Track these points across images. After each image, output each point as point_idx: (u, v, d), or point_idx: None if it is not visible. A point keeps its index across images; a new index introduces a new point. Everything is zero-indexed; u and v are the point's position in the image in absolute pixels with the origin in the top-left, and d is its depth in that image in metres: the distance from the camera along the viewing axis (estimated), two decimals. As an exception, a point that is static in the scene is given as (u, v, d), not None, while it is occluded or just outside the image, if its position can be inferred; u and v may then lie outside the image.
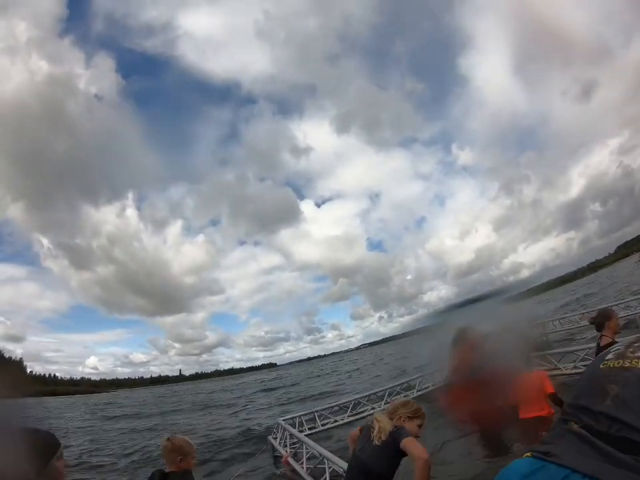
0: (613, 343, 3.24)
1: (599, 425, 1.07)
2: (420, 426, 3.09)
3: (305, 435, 6.40)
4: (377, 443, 2.80)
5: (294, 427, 6.76)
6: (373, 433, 2.88)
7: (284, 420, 6.92)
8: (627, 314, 10.12)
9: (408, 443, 2.68)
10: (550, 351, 7.15)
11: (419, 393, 8.24)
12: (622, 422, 1.03)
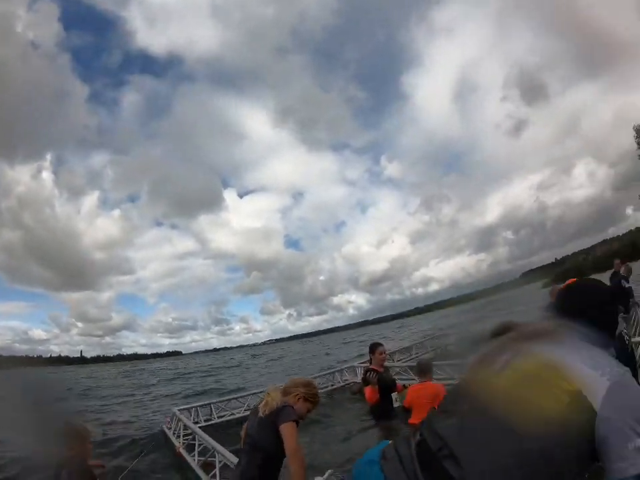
0: None
1: (431, 442, 1.06)
2: (309, 411, 3.05)
3: (200, 427, 6.21)
4: (261, 415, 2.75)
5: (189, 418, 6.53)
6: (260, 406, 2.84)
7: (179, 410, 6.66)
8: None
9: (285, 429, 2.65)
10: (449, 362, 7.40)
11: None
12: (449, 448, 1.00)
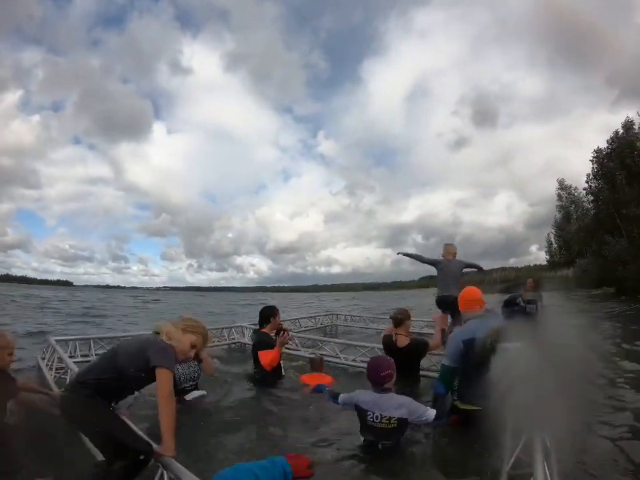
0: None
1: None
2: (194, 347, 3.08)
3: (75, 362, 5.94)
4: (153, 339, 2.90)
5: (66, 351, 6.25)
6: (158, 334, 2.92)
7: (56, 340, 6.35)
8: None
9: (160, 373, 2.71)
10: (336, 340, 7.67)
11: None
12: None
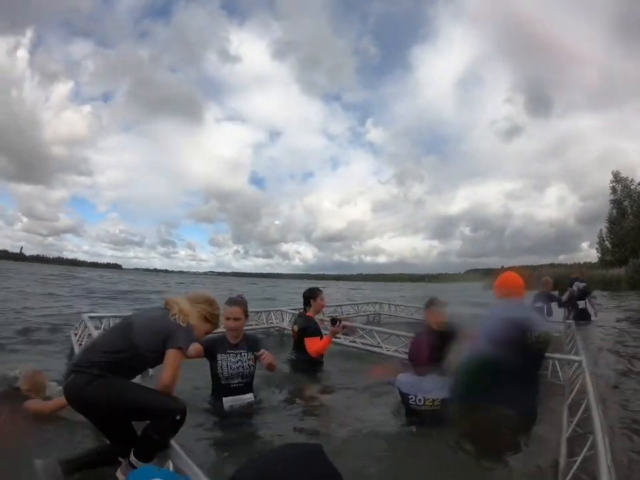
0: None
1: None
2: (207, 333, 2.95)
3: None
4: (172, 319, 2.57)
5: (100, 328, 6.04)
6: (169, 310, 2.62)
7: (89, 317, 6.18)
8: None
9: (171, 355, 2.45)
10: (376, 328, 7.32)
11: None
12: None
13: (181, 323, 2.55)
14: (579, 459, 2.38)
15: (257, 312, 8.43)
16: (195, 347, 3.42)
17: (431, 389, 3.31)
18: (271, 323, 8.42)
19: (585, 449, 2.42)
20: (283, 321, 8.33)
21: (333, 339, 5.26)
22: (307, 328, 5.10)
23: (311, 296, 5.33)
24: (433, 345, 3.42)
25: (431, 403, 3.28)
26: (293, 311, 8.12)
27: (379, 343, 6.44)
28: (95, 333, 5.13)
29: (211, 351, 3.75)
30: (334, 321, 5.11)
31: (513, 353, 2.80)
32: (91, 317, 6.18)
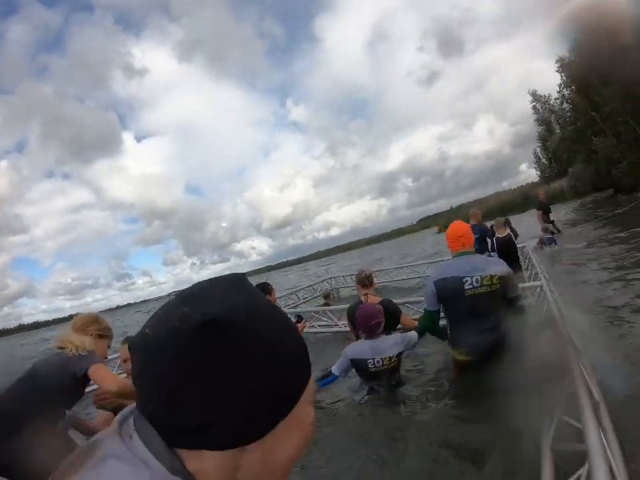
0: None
1: None
2: (108, 347, 2.88)
3: None
4: (67, 354, 2.45)
5: None
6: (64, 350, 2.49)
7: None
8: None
9: (96, 370, 2.41)
10: (329, 308, 7.01)
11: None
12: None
13: (81, 354, 2.49)
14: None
15: None
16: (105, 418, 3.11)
17: (385, 348, 3.44)
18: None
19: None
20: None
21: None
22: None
23: (264, 291, 4.83)
24: (382, 311, 3.57)
25: (388, 362, 3.43)
26: None
27: (335, 322, 6.36)
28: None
29: None
30: (299, 317, 5.17)
31: (452, 304, 3.25)
32: None
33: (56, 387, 2.38)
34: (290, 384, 0.50)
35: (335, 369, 3.59)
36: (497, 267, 3.26)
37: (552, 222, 10.45)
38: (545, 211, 10.70)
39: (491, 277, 3.16)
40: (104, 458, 0.47)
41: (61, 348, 2.54)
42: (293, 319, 5.04)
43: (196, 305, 0.48)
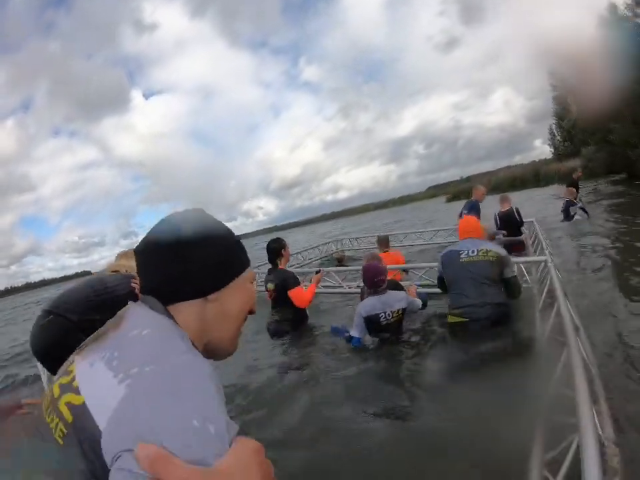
0: None
1: None
2: None
3: None
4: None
5: None
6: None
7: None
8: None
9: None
10: (334, 268, 7.10)
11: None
12: None
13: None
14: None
15: None
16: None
17: (393, 302, 3.82)
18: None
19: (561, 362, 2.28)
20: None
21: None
22: (287, 280, 4.73)
23: (280, 247, 4.95)
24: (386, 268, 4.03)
25: (397, 314, 3.83)
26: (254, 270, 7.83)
27: (339, 283, 6.45)
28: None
29: None
30: (317, 271, 5.37)
31: (450, 271, 3.99)
32: None
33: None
34: (235, 260, 0.89)
35: (354, 332, 3.86)
36: (494, 247, 3.91)
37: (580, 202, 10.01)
38: (577, 189, 10.19)
39: (487, 250, 3.82)
40: (131, 310, 0.79)
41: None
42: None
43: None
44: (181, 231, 0.81)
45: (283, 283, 4.71)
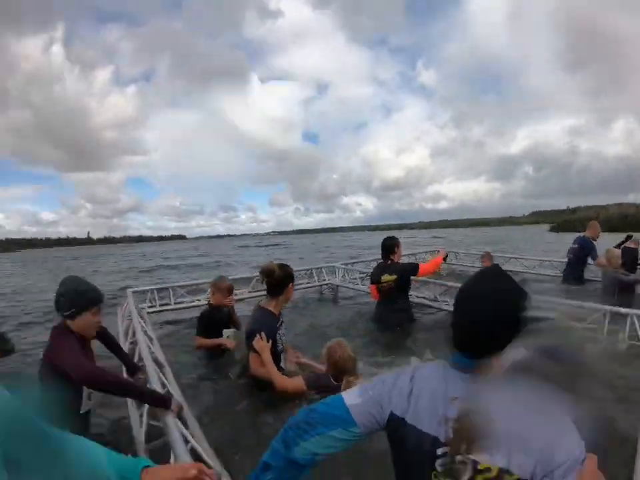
0: None
1: None
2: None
3: (153, 312, 5.92)
4: None
5: (145, 301, 6.10)
6: None
7: (133, 291, 6.05)
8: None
9: None
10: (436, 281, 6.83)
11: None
12: None
13: None
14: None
15: (307, 270, 8.19)
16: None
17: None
18: (323, 280, 8.09)
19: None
20: (336, 277, 8.02)
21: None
22: (406, 267, 5.11)
23: (394, 244, 5.16)
24: None
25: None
26: (344, 267, 7.92)
27: (435, 297, 5.92)
28: (134, 309, 4.92)
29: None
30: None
31: None
32: (134, 292, 6.04)
33: None
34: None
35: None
36: None
37: None
38: None
39: None
40: None
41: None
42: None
43: None
44: None
45: (403, 273, 4.96)
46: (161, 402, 2.23)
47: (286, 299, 3.34)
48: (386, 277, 5.00)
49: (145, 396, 2.26)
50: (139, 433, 2.33)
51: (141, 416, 2.45)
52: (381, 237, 5.75)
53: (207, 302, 4.92)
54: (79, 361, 2.06)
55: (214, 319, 4.28)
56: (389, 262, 5.10)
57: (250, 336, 3.10)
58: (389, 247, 5.13)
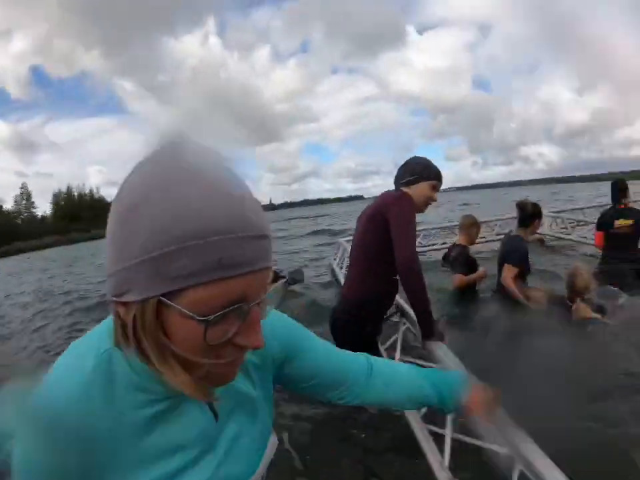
0: None
1: None
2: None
3: None
4: None
5: None
6: None
7: (346, 240, 6.03)
8: None
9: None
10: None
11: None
12: None
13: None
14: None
15: (493, 220, 7.41)
16: None
17: None
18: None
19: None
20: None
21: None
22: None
23: (627, 186, 4.57)
24: None
25: None
26: (553, 215, 7.40)
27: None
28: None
29: None
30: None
31: None
32: (347, 240, 5.91)
33: None
34: None
35: None
36: None
37: None
38: None
39: None
40: None
41: None
42: None
43: None
44: None
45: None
46: (432, 333, 2.07)
47: (532, 231, 3.71)
48: (621, 222, 4.38)
49: (428, 316, 2.06)
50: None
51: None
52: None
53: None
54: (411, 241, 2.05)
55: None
56: (622, 206, 4.49)
57: (504, 256, 3.59)
58: (623, 188, 4.51)
